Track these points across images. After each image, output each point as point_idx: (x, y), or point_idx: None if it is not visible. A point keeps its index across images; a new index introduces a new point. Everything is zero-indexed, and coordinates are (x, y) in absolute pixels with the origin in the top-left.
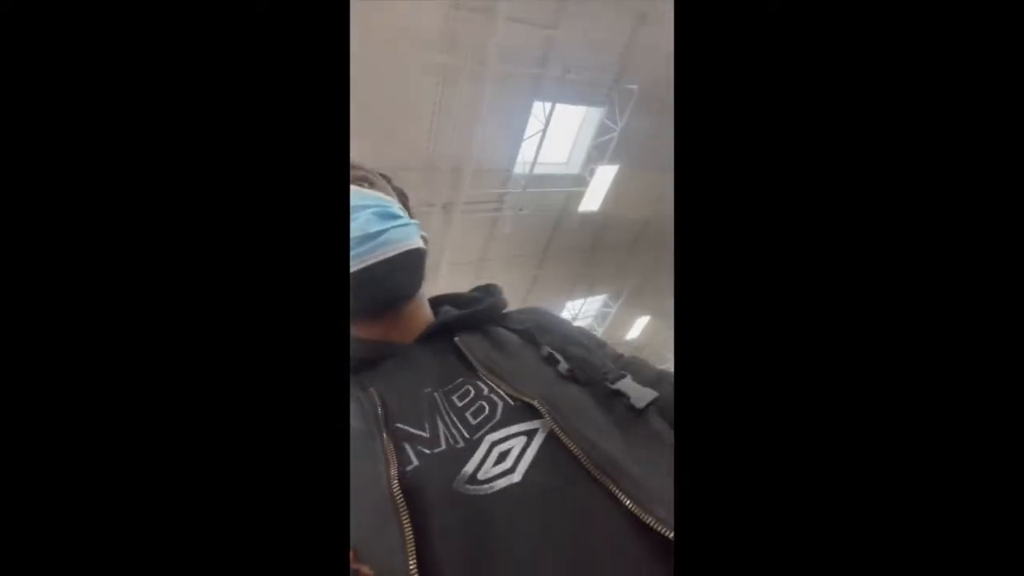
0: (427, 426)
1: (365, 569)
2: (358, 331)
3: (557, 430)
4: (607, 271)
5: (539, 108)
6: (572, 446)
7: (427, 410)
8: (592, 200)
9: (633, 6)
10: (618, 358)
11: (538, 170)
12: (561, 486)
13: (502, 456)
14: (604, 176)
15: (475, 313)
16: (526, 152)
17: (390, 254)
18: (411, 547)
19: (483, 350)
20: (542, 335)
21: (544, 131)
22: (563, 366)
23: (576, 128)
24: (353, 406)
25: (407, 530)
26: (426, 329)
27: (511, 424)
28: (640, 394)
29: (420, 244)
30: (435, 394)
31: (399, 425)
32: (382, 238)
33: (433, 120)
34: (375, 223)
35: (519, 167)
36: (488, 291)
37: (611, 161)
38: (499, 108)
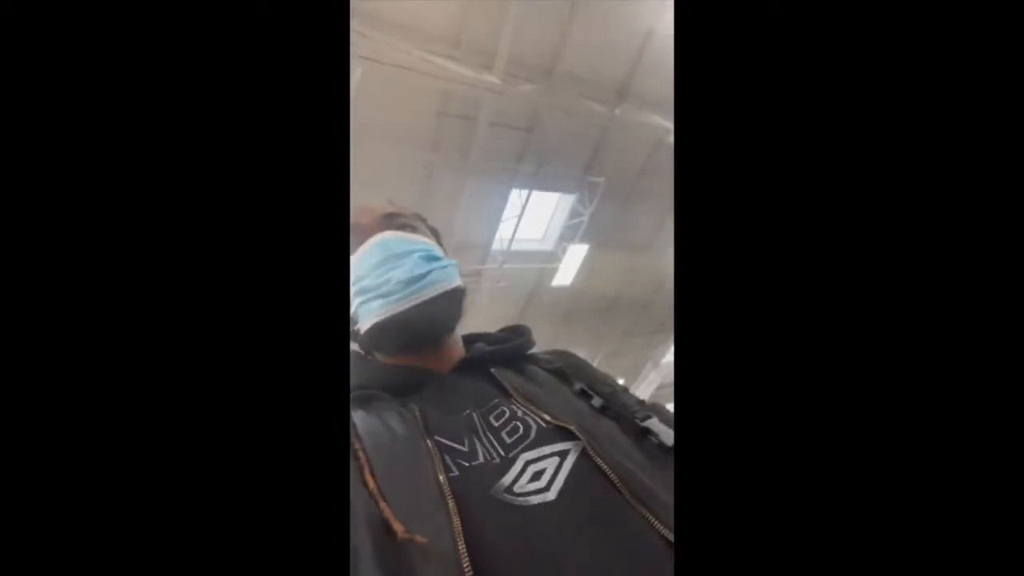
0: (465, 442)
1: (419, 538)
2: (399, 360)
3: (591, 452)
4: (581, 337)
5: (516, 194)
6: (608, 470)
7: (465, 429)
8: (564, 276)
9: (600, 117)
10: (641, 402)
11: (515, 246)
12: (595, 506)
13: (536, 475)
14: (575, 254)
15: (507, 349)
16: (504, 230)
17: (435, 293)
18: (459, 530)
19: (518, 381)
20: (573, 374)
21: (520, 215)
22: (596, 401)
23: (551, 210)
24: (395, 417)
25: (454, 516)
26: (462, 360)
27: (545, 445)
28: (668, 433)
29: (460, 283)
30: (473, 415)
31: (438, 437)
32: (428, 279)
33: (419, 204)
34: (421, 265)
35: (497, 243)
36: (517, 331)
37: (582, 241)
38: (479, 195)
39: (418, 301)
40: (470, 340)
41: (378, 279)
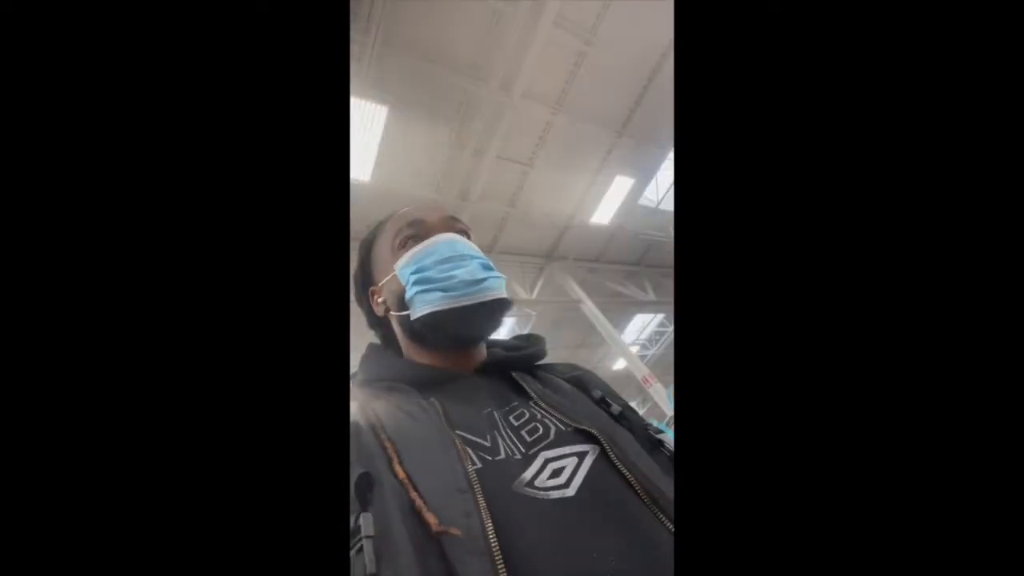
0: (488, 438)
1: (453, 529)
2: (425, 359)
3: (611, 455)
4: None
5: None
6: (625, 471)
7: (487, 426)
8: None
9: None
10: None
11: None
12: (612, 504)
13: (556, 472)
14: None
15: (527, 355)
16: None
17: (488, 298)
18: (486, 512)
19: (538, 386)
20: (591, 383)
21: None
22: (615, 408)
23: None
24: (416, 408)
25: (481, 500)
26: (483, 363)
27: (564, 445)
28: None
29: (507, 295)
30: (494, 413)
31: (460, 432)
32: (484, 284)
33: None
34: (480, 271)
35: None
36: (532, 339)
37: None
38: None
39: (474, 301)
40: (487, 345)
41: (442, 274)
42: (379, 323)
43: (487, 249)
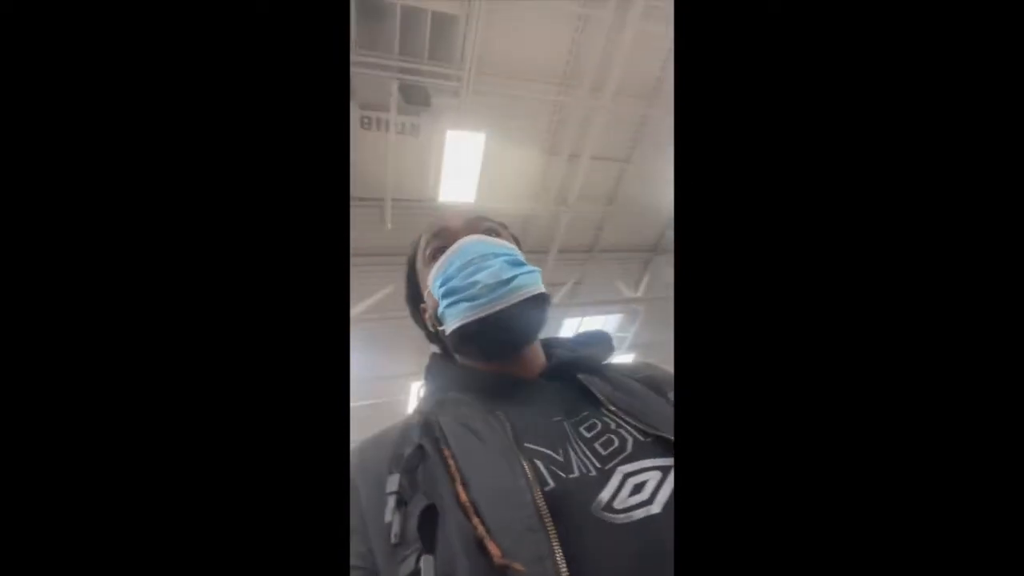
0: (560, 451)
1: (517, 565)
2: (482, 365)
3: None
4: None
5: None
6: None
7: (558, 438)
8: None
9: (634, 268)
10: None
11: None
12: None
13: (637, 488)
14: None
15: (592, 354)
16: None
17: (520, 298)
18: (560, 555)
19: (608, 389)
20: (665, 384)
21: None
22: None
23: (601, 323)
24: (481, 423)
25: (554, 539)
26: (548, 367)
27: (645, 459)
28: None
29: (544, 290)
30: (564, 424)
31: (528, 444)
32: (513, 283)
33: None
34: (507, 270)
35: None
36: (597, 336)
37: (628, 351)
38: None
39: (504, 305)
40: (548, 346)
41: (464, 280)
42: (436, 338)
43: (588, 249)
